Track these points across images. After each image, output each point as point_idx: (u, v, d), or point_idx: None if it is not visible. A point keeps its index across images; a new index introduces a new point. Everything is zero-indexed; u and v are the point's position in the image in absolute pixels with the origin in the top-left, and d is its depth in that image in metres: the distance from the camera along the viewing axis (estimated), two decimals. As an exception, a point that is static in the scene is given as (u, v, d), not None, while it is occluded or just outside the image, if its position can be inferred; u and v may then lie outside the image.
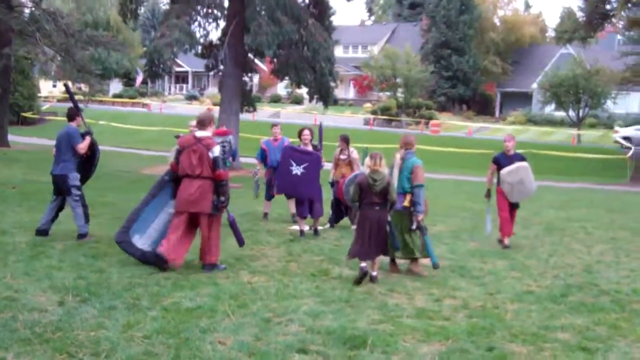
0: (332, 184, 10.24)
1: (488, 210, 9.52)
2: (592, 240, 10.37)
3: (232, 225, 7.31)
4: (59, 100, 47.75)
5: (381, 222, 6.86)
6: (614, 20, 32.09)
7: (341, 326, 5.22)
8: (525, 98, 47.71)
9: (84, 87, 29.71)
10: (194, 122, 7.41)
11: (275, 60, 22.06)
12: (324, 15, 21.91)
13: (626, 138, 32.94)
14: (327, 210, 10.33)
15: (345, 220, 10.37)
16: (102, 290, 5.85)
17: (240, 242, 7.48)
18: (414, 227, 7.29)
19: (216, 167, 6.83)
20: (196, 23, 20.85)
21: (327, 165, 10.22)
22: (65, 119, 8.41)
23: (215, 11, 21.09)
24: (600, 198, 17.99)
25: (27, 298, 5.51)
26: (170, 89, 62.22)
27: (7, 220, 9.17)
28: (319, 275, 7.00)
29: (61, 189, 8.13)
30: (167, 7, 22.90)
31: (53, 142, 8.35)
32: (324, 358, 4.57)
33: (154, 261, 6.75)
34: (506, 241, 9.24)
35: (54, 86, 55.02)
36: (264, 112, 42.38)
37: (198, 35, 21.19)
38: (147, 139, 30.70)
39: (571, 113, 38.25)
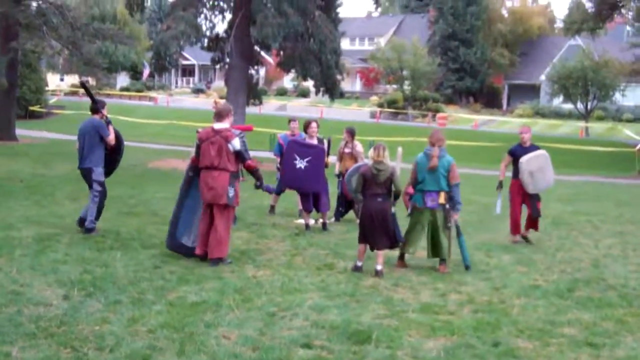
0: (339, 176, 10.18)
1: (500, 194, 9.42)
2: (599, 234, 10.30)
3: (267, 190, 8.02)
4: (66, 94, 47.92)
5: (385, 213, 6.85)
6: (623, 11, 31.81)
7: (346, 321, 5.21)
8: (533, 90, 47.40)
9: (92, 81, 29.73)
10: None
11: (281, 52, 22.01)
12: (331, 7, 21.82)
13: None
14: (333, 203, 10.30)
15: (351, 214, 10.34)
16: (107, 285, 5.87)
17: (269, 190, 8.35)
18: (450, 224, 7.26)
19: (243, 160, 7.09)
20: (202, 15, 20.85)
21: (332, 159, 10.19)
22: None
23: (221, 3, 21.08)
24: (608, 191, 17.87)
25: (33, 292, 5.53)
26: (177, 82, 62.31)
27: (14, 214, 9.20)
28: (324, 269, 6.99)
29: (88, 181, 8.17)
30: (173, -1, 22.87)
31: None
32: (328, 353, 4.56)
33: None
34: (517, 237, 9.21)
35: (62, 79, 55.19)
36: (270, 105, 42.36)
37: (204, 27, 21.19)
38: (154, 132, 30.71)
39: (579, 105, 37.99)
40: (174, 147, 25.18)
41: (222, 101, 12.31)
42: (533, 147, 9.26)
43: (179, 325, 4.89)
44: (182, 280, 6.20)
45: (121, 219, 9.38)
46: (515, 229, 9.22)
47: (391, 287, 6.42)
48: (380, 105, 44.88)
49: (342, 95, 34.37)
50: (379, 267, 6.86)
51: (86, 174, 8.13)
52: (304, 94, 51.02)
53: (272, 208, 10.80)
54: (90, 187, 8.13)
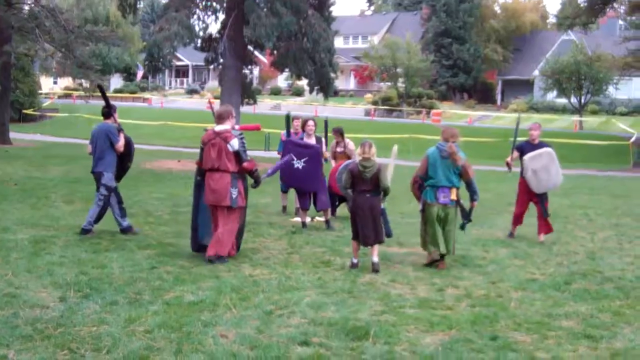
0: None
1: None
2: (595, 227, 10.33)
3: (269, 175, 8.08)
4: (59, 97, 47.75)
5: (373, 209, 6.92)
6: (615, 5, 31.93)
7: (343, 317, 5.20)
8: (526, 85, 47.51)
9: (85, 83, 29.65)
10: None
11: (275, 52, 21.97)
12: (324, 5, 21.78)
13: None
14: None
15: (347, 212, 10.31)
16: (104, 286, 5.84)
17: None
18: (464, 219, 7.36)
19: (241, 161, 7.01)
20: (195, 16, 20.79)
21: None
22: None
23: (214, 3, 21.01)
24: (603, 184, 17.92)
25: (29, 294, 5.50)
26: (170, 83, 62.16)
27: (8, 217, 9.16)
28: (321, 267, 6.98)
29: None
30: (166, 0, 22.80)
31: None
32: (326, 350, 4.55)
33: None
34: (515, 231, 9.22)
35: (55, 83, 55.00)
36: (265, 104, 42.28)
37: (197, 28, 21.13)
38: (148, 133, 30.63)
39: (573, 100, 38.11)
40: (168, 148, 25.14)
41: (217, 102, 12.28)
42: (542, 145, 9.05)
43: (176, 325, 4.87)
44: (178, 280, 6.17)
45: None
46: (516, 221, 9.21)
47: (388, 283, 6.41)
48: (375, 103, 44.91)
49: (336, 93, 34.38)
50: (375, 259, 6.88)
51: (97, 177, 8.20)
52: (298, 92, 50.99)
53: (284, 208, 10.75)
54: (97, 189, 8.19)
